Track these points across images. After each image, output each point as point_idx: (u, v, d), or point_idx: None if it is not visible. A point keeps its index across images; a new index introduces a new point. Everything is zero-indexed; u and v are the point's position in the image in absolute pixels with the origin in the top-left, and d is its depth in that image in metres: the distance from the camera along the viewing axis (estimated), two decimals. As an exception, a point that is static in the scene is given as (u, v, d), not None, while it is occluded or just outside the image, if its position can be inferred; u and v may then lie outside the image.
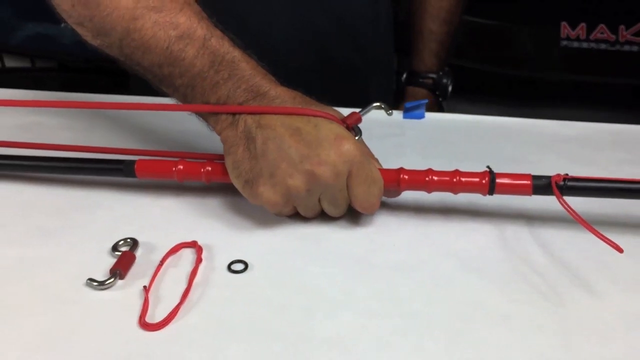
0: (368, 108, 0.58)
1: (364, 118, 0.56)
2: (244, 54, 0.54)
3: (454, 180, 0.52)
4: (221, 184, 0.56)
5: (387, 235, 0.52)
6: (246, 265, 0.48)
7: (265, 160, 0.50)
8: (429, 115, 0.71)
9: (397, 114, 0.72)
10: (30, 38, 1.61)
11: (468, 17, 1.56)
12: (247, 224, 0.54)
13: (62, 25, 1.71)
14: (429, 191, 0.53)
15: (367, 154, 0.53)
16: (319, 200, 0.52)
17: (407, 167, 0.54)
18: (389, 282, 0.47)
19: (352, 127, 0.54)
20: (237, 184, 0.52)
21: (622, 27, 1.37)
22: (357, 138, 0.53)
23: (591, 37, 1.43)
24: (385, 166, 0.54)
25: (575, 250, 0.50)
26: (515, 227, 0.53)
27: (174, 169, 0.55)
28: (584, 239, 0.51)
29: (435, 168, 0.53)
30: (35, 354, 0.40)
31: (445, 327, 0.42)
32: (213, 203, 0.56)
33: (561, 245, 0.50)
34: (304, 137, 0.49)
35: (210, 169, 0.55)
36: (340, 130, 0.51)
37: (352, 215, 0.54)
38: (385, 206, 0.56)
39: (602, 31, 1.43)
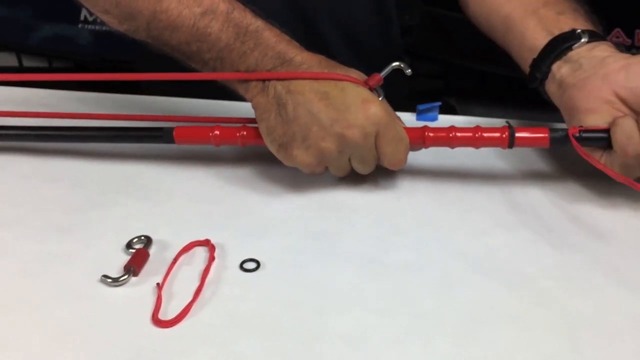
0: (388, 68, 0.59)
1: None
2: (266, 23, 0.56)
3: (476, 135, 0.55)
4: (236, 180, 0.56)
5: (398, 236, 0.52)
6: (258, 263, 0.49)
7: (297, 125, 0.53)
8: (442, 118, 0.72)
9: (410, 116, 0.72)
10: (47, 39, 1.63)
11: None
12: (259, 222, 0.54)
13: (79, 25, 1.72)
14: (452, 146, 0.57)
15: (392, 115, 0.56)
16: (349, 160, 0.55)
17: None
18: (400, 282, 0.47)
19: (375, 88, 0.56)
20: (272, 148, 0.56)
21: (638, 31, 1.37)
22: (380, 99, 0.55)
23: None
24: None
25: (583, 253, 0.50)
26: (525, 230, 0.53)
27: (211, 134, 0.58)
28: (593, 241, 0.51)
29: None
30: (50, 347, 0.41)
31: (454, 326, 0.43)
32: (226, 202, 0.57)
33: (570, 248, 0.50)
34: (332, 101, 0.53)
35: (245, 133, 0.58)
36: (366, 93, 0.54)
37: (366, 214, 0.55)
38: (396, 206, 0.56)
39: (617, 35, 1.42)
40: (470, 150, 0.57)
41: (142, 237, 0.51)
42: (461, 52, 1.69)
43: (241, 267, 0.49)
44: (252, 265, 0.49)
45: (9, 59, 1.96)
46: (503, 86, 1.70)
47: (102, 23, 1.63)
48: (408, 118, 0.72)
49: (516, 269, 0.48)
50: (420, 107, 0.72)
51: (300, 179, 0.60)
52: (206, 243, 0.51)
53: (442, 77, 1.85)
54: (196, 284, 0.47)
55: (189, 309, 0.44)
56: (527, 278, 0.47)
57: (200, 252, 0.50)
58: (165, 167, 0.62)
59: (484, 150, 0.57)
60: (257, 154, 0.64)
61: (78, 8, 1.62)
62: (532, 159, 0.64)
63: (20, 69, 1.94)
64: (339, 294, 0.46)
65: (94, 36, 1.61)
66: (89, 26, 1.62)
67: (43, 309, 0.44)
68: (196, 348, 0.41)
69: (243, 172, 0.61)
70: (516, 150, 0.65)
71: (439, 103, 0.72)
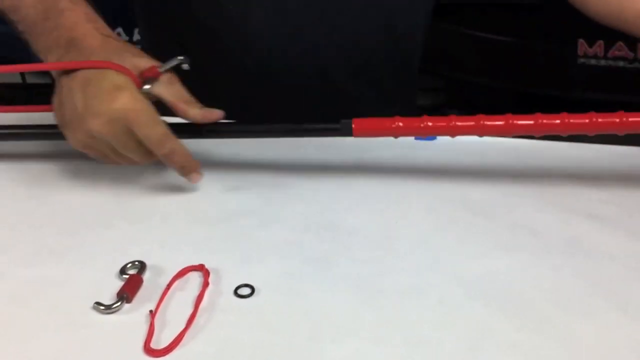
0: (168, 63, 0.59)
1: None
2: (75, 2, 0.59)
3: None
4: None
5: (396, 259, 0.51)
6: (253, 289, 0.48)
7: (65, 109, 0.55)
8: (441, 138, 0.71)
9: (409, 135, 0.71)
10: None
11: (483, 33, 1.56)
12: (254, 246, 0.53)
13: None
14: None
15: (143, 102, 0.55)
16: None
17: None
18: (396, 308, 0.46)
19: (149, 79, 0.58)
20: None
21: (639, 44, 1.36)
22: (145, 87, 0.57)
23: (609, 54, 1.42)
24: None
25: (584, 277, 0.49)
26: (523, 252, 0.52)
27: (393, 125, 0.58)
28: (593, 264, 0.50)
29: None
30: (41, 378, 0.40)
31: (452, 355, 0.42)
32: (222, 226, 0.56)
33: (571, 272, 0.50)
34: (91, 88, 0.54)
35: (430, 124, 0.58)
36: (121, 81, 0.54)
37: (363, 238, 0.54)
38: (393, 228, 0.56)
39: (619, 48, 1.42)
40: (470, 171, 0.57)
41: (136, 263, 0.51)
42: (464, 67, 1.69)
43: (235, 293, 0.48)
44: (246, 291, 0.48)
45: (12, 76, 1.98)
46: (505, 99, 1.70)
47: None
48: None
49: (515, 293, 0.47)
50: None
51: (295, 200, 0.60)
52: (200, 268, 0.50)
53: (445, 90, 1.86)
54: (190, 310, 0.46)
55: (182, 338, 0.43)
56: (527, 303, 0.46)
57: (195, 277, 0.50)
58: (160, 190, 0.62)
59: (483, 172, 0.57)
60: (254, 180, 0.64)
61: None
62: (530, 179, 0.63)
63: (24, 86, 1.96)
64: (335, 321, 0.45)
65: None
66: None
67: (34, 337, 0.44)
68: (188, 378, 0.41)
69: (237, 195, 0.61)
70: (516, 171, 0.64)
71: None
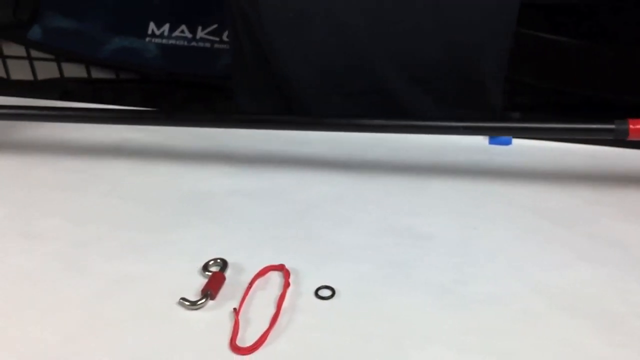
0: None
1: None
2: None
3: None
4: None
5: (475, 266, 0.51)
6: (333, 291, 0.48)
7: None
8: (516, 142, 0.70)
9: (483, 140, 0.71)
10: (116, 51, 1.68)
11: (548, 35, 1.52)
12: (331, 248, 0.54)
13: (147, 39, 1.78)
14: None
15: None
16: None
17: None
18: (479, 316, 0.46)
19: None
20: None
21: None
22: None
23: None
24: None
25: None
26: (608, 265, 0.51)
27: None
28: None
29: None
30: (132, 370, 0.42)
31: (539, 367, 0.41)
32: (297, 226, 0.57)
33: (661, 286, 0.48)
34: None
35: None
36: None
37: (440, 243, 0.54)
38: (470, 235, 0.55)
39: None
40: (546, 178, 0.56)
41: (218, 260, 0.52)
42: (527, 69, 1.65)
43: (316, 294, 0.48)
44: (327, 292, 0.48)
45: (79, 71, 2.04)
46: (563, 102, 1.66)
47: (169, 37, 1.68)
48: (481, 141, 0.72)
49: (602, 306, 0.46)
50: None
51: (367, 203, 0.60)
52: (281, 268, 0.51)
53: (505, 92, 1.82)
54: (271, 309, 0.47)
55: (266, 337, 0.44)
56: (616, 317, 0.45)
57: (275, 277, 0.50)
58: (233, 192, 0.63)
59: (559, 179, 0.56)
60: (323, 179, 0.64)
61: (146, 22, 1.66)
62: (610, 187, 0.62)
63: (89, 80, 2.02)
64: (416, 327, 0.45)
65: (160, 49, 1.65)
66: (156, 40, 1.66)
67: (122, 329, 0.45)
68: (274, 377, 0.41)
69: (308, 197, 0.61)
70: (594, 178, 0.63)
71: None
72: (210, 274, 0.50)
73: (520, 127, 0.61)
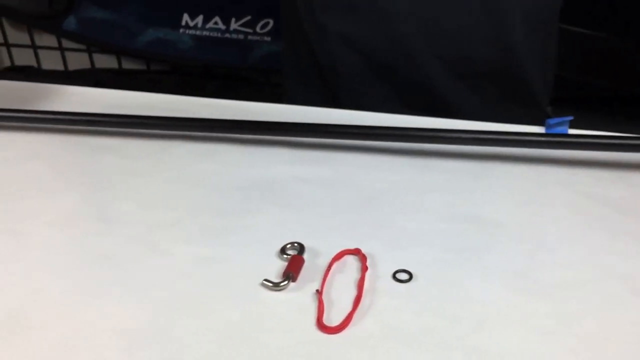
0: None
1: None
2: None
3: None
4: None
5: (547, 253, 0.52)
6: (410, 275, 0.50)
7: None
8: (573, 133, 0.71)
9: (539, 129, 0.71)
10: (150, 43, 1.70)
11: (590, 31, 1.52)
12: (402, 234, 0.55)
13: (181, 30, 1.80)
14: None
15: None
16: None
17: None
18: (556, 300, 0.47)
19: None
20: None
21: None
22: None
23: None
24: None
25: None
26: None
27: None
28: None
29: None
30: (223, 348, 0.43)
31: (622, 351, 0.42)
32: (366, 212, 0.58)
33: None
34: None
35: None
36: None
37: (510, 230, 0.55)
38: (538, 221, 0.56)
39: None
40: (607, 168, 0.56)
41: (295, 244, 0.53)
42: (560, 62, 1.65)
43: (394, 277, 0.50)
44: (404, 276, 0.50)
45: (110, 61, 2.06)
46: (598, 96, 1.66)
47: (203, 28, 1.70)
48: (536, 131, 0.72)
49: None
50: (551, 121, 0.71)
51: (433, 189, 0.61)
52: (357, 252, 0.52)
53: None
54: (351, 292, 0.48)
55: (351, 317, 0.45)
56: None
57: (351, 261, 0.52)
58: (300, 177, 0.64)
59: (621, 168, 0.56)
60: (385, 167, 0.65)
61: (180, 14, 1.68)
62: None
63: (120, 71, 2.04)
64: (496, 310, 0.46)
65: (194, 41, 1.67)
66: (190, 31, 1.68)
67: (208, 310, 0.46)
68: (362, 355, 0.42)
69: (376, 184, 0.63)
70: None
71: (571, 117, 0.71)
72: (287, 257, 0.52)
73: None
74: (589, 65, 1.57)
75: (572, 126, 0.71)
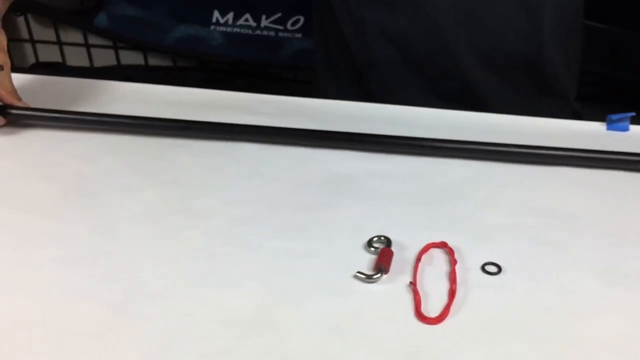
0: None
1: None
2: None
3: None
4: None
5: (631, 246, 0.53)
6: (499, 267, 0.51)
7: None
8: (634, 128, 0.72)
9: (600, 126, 0.73)
10: (180, 39, 1.71)
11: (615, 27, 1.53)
12: (483, 228, 0.56)
13: (211, 27, 1.81)
14: None
15: None
16: None
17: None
18: (648, 293, 0.48)
19: None
20: None
21: None
22: None
23: None
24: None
25: None
26: None
27: None
28: None
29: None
30: (326, 338, 0.44)
31: None
32: (444, 206, 0.59)
33: None
34: None
35: None
36: None
37: (589, 223, 0.56)
38: (616, 216, 0.57)
39: None
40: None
41: (382, 237, 0.54)
42: (592, 58, 1.66)
43: (483, 269, 0.51)
44: (493, 268, 0.51)
45: (134, 58, 2.07)
46: (627, 91, 1.66)
47: (233, 25, 1.71)
48: (598, 127, 0.73)
49: None
50: (613, 117, 0.72)
51: (503, 185, 0.62)
52: (443, 245, 0.53)
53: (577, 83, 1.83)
54: (442, 284, 0.49)
55: (450, 308, 0.46)
56: None
57: (438, 254, 0.53)
58: (373, 172, 0.65)
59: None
60: (456, 162, 0.66)
61: (210, 11, 1.70)
62: None
63: (146, 67, 2.05)
64: (589, 301, 0.47)
65: (224, 37, 1.68)
66: (220, 28, 1.69)
67: (308, 302, 0.48)
68: (465, 345, 0.44)
69: (450, 179, 0.64)
70: None
71: (633, 113, 0.72)
72: (374, 249, 0.53)
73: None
74: (618, 61, 1.58)
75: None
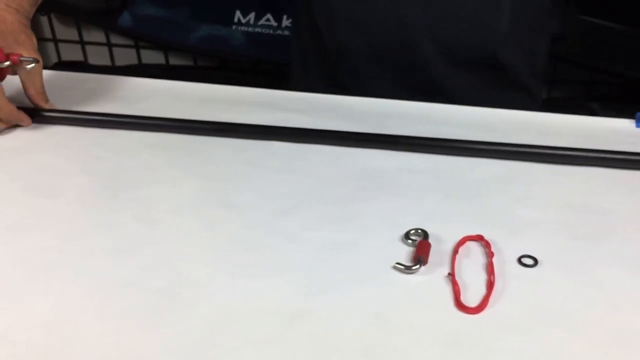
0: (28, 58, 0.72)
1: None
2: None
3: None
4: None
5: (662, 241, 0.54)
6: (535, 260, 0.52)
7: None
8: (664, 126, 0.73)
9: (629, 123, 0.73)
10: (202, 39, 1.73)
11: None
12: (516, 221, 0.57)
13: (233, 27, 1.83)
14: None
15: None
16: None
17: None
18: (681, 286, 0.49)
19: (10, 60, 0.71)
20: None
21: None
22: (6, 63, 0.71)
23: None
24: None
25: None
26: None
27: None
28: None
29: None
30: (371, 326, 0.46)
31: None
32: (476, 200, 0.60)
33: None
34: None
35: None
36: None
37: (621, 219, 0.57)
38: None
39: None
40: None
41: (419, 230, 0.55)
42: (608, 58, 1.67)
43: (519, 262, 0.52)
44: (530, 261, 0.52)
45: (155, 57, 2.10)
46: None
47: (255, 25, 1.73)
48: (627, 125, 0.74)
49: None
50: (641, 114, 0.73)
51: (533, 180, 0.63)
52: (479, 238, 0.54)
53: (585, 82, 1.83)
54: (479, 275, 0.50)
55: (489, 298, 0.48)
56: None
57: (474, 247, 0.54)
58: (404, 168, 0.66)
59: None
60: (484, 159, 0.67)
61: (232, 11, 1.72)
62: None
63: (167, 66, 2.07)
64: (627, 293, 0.48)
65: (246, 37, 1.70)
66: (242, 27, 1.71)
67: (350, 291, 0.49)
68: (505, 334, 0.45)
69: (481, 175, 0.65)
70: None
71: (663, 111, 0.73)
72: (411, 242, 0.54)
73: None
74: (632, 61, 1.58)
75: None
